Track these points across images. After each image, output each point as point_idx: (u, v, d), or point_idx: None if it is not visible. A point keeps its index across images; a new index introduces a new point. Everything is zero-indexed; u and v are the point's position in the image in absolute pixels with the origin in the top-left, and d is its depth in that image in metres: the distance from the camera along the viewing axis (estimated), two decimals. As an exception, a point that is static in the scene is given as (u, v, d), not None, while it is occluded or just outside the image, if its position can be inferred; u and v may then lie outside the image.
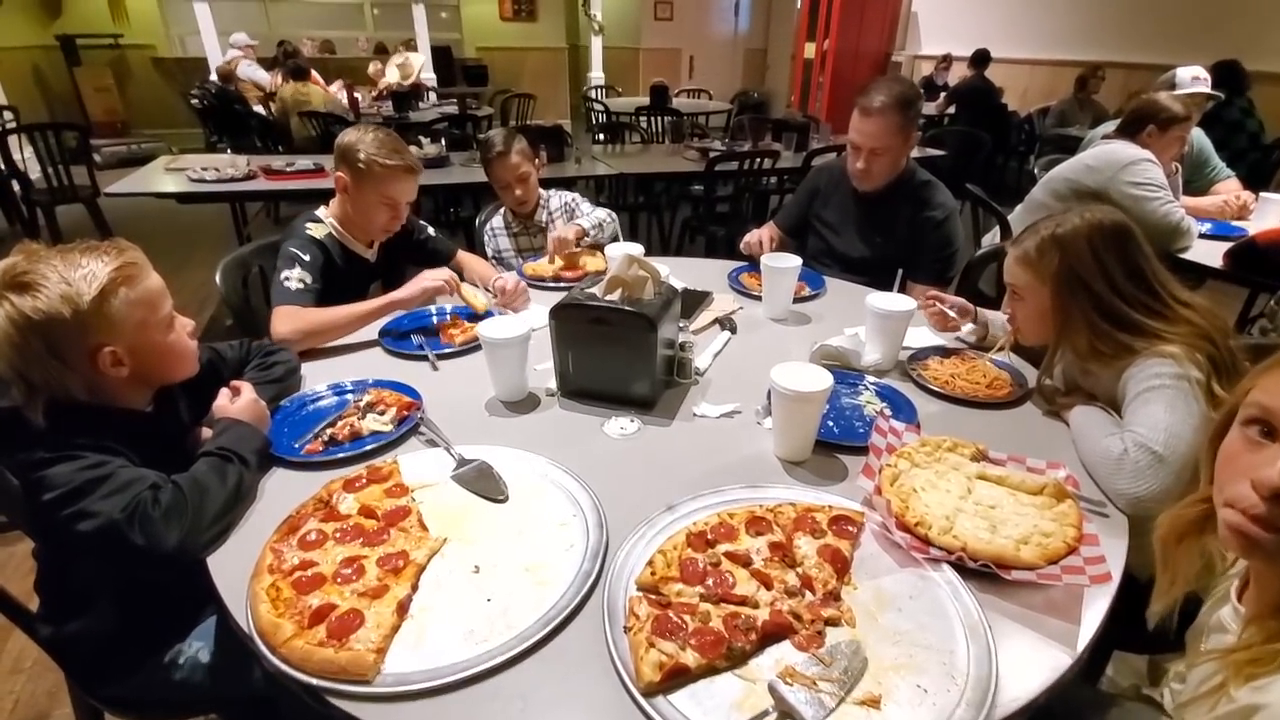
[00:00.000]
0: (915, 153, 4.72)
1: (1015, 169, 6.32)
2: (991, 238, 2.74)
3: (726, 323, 1.65)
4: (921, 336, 1.58)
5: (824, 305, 1.81)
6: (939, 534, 0.93)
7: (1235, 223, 2.60)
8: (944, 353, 1.48)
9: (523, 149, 2.18)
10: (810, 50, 8.14)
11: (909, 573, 0.90)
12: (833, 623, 0.82)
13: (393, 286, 1.69)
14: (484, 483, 1.04)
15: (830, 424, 1.24)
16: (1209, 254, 2.28)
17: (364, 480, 1.05)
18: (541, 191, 2.31)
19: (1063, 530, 0.93)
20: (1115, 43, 6.02)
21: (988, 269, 2.51)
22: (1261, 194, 2.85)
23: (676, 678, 0.74)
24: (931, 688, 0.74)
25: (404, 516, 0.97)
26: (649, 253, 1.71)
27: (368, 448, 1.14)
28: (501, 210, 2.34)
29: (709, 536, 0.93)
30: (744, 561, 0.89)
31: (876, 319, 1.41)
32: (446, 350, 1.50)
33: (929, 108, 6.45)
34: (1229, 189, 2.80)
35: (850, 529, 0.96)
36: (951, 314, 1.50)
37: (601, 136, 5.68)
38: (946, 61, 7.26)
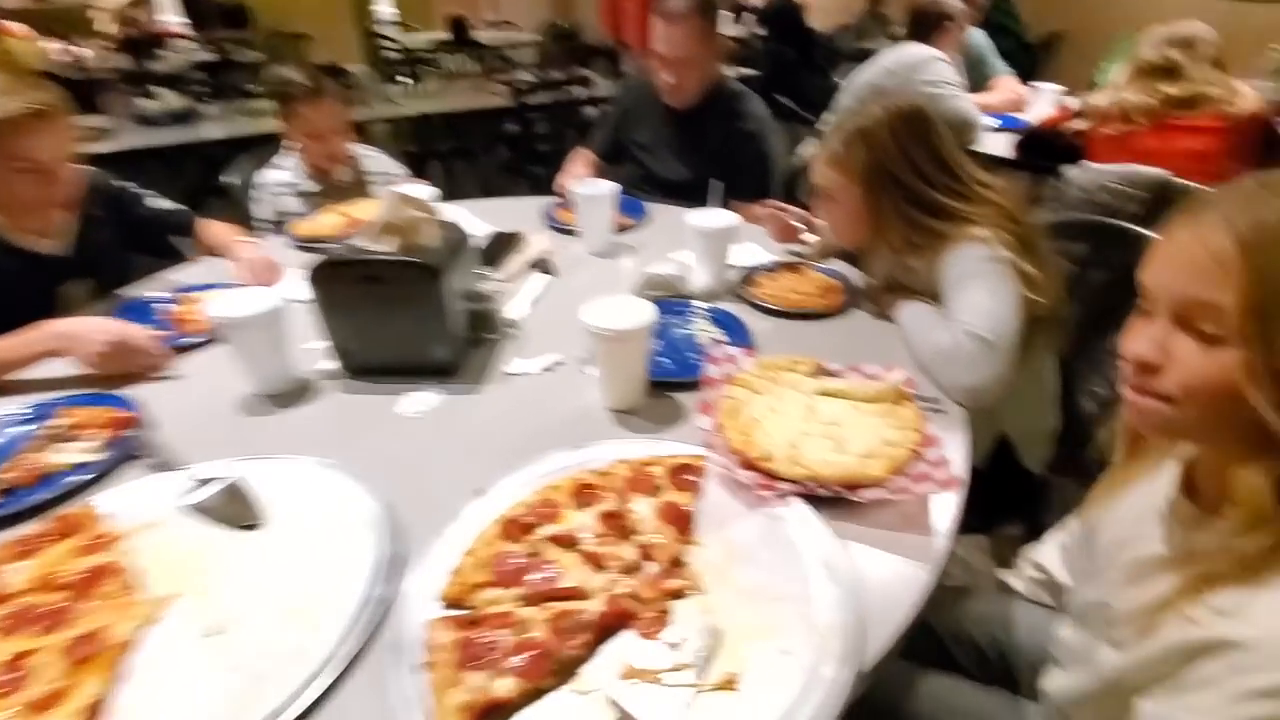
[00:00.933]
0: (729, 70, 4.74)
1: (822, 86, 6.54)
2: (805, 149, 2.73)
3: (544, 265, 1.45)
4: (751, 254, 1.48)
5: (649, 234, 1.66)
6: (786, 465, 0.83)
7: (1015, 115, 2.78)
8: (774, 267, 1.40)
9: (337, 90, 1.80)
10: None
11: (759, 515, 0.79)
12: (678, 595, 0.70)
13: (111, 283, 1.31)
14: (230, 508, 0.80)
15: (664, 360, 1.11)
16: (997, 146, 2.42)
17: (52, 536, 0.76)
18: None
19: (905, 436, 0.87)
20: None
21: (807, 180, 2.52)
22: (1032, 84, 3.08)
23: (491, 718, 0.58)
24: (796, 647, 0.64)
25: (106, 578, 0.71)
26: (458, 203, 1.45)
27: (65, 489, 0.84)
28: (292, 164, 1.90)
29: (528, 520, 0.77)
30: (570, 543, 0.74)
31: (700, 239, 1.29)
32: (186, 342, 1.18)
33: (738, 29, 6.46)
34: (1007, 85, 3.00)
35: (691, 478, 0.83)
36: (796, 224, 1.42)
37: (398, 78, 5.09)
38: (750, -18, 7.27)
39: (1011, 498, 1.30)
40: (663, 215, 1.75)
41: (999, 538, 1.67)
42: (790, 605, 0.68)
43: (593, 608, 0.67)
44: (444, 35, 5.74)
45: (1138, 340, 0.58)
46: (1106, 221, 1.42)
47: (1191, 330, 0.55)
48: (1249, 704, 0.49)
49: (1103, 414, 1.40)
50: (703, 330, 1.19)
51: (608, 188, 1.47)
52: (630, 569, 0.71)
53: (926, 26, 2.44)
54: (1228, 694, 0.50)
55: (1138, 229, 1.28)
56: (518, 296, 1.31)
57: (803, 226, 1.42)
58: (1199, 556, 0.58)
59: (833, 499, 0.79)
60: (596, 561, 0.72)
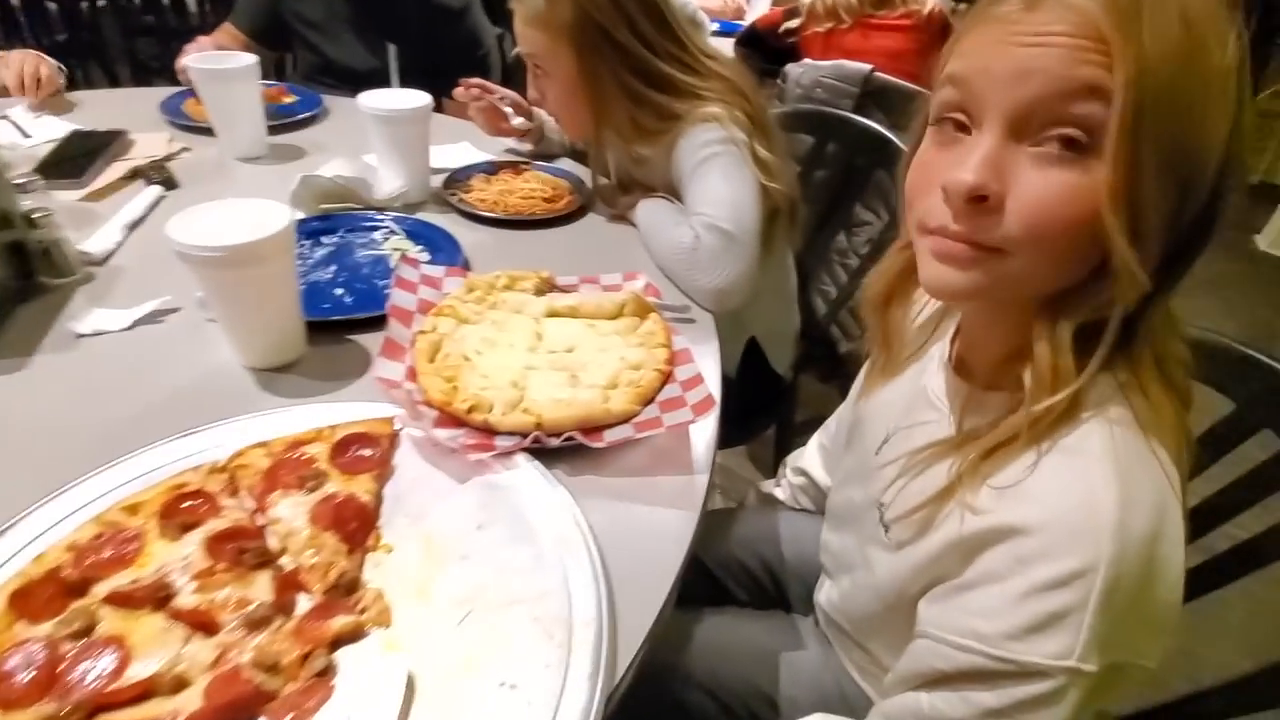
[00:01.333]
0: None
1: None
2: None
3: (154, 173, 1.02)
4: (463, 154, 1.20)
5: (326, 132, 1.28)
6: (506, 412, 0.61)
7: (736, 22, 2.78)
8: (491, 169, 1.14)
9: None
10: None
11: (473, 488, 0.57)
12: (348, 639, 0.45)
13: None
14: None
15: (339, 293, 0.81)
16: (721, 49, 2.37)
17: None
18: None
19: (652, 355, 0.70)
20: None
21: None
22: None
23: None
24: (524, 677, 0.44)
25: None
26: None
27: None
28: None
29: (70, 574, 0.45)
30: (152, 601, 0.45)
31: (381, 128, 0.97)
32: None
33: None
34: (726, -9, 2.98)
35: (370, 454, 0.58)
36: (504, 107, 1.15)
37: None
38: None
39: (763, 401, 1.26)
40: (348, 111, 1.36)
41: (755, 444, 1.69)
42: (517, 613, 0.48)
43: (187, 705, 0.40)
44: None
45: (963, 166, 0.42)
46: (828, 110, 1.39)
47: (1043, 143, 0.41)
48: (1037, 599, 0.41)
49: (834, 311, 1.45)
50: (397, 249, 0.90)
51: (243, 61, 1.06)
52: (259, 621, 0.45)
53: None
54: (1013, 590, 0.42)
55: (860, 119, 1.25)
56: (108, 223, 0.88)
57: (511, 111, 1.17)
58: (979, 434, 0.49)
59: (572, 448, 0.60)
60: (200, 622, 0.44)
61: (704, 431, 0.65)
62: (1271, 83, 4.03)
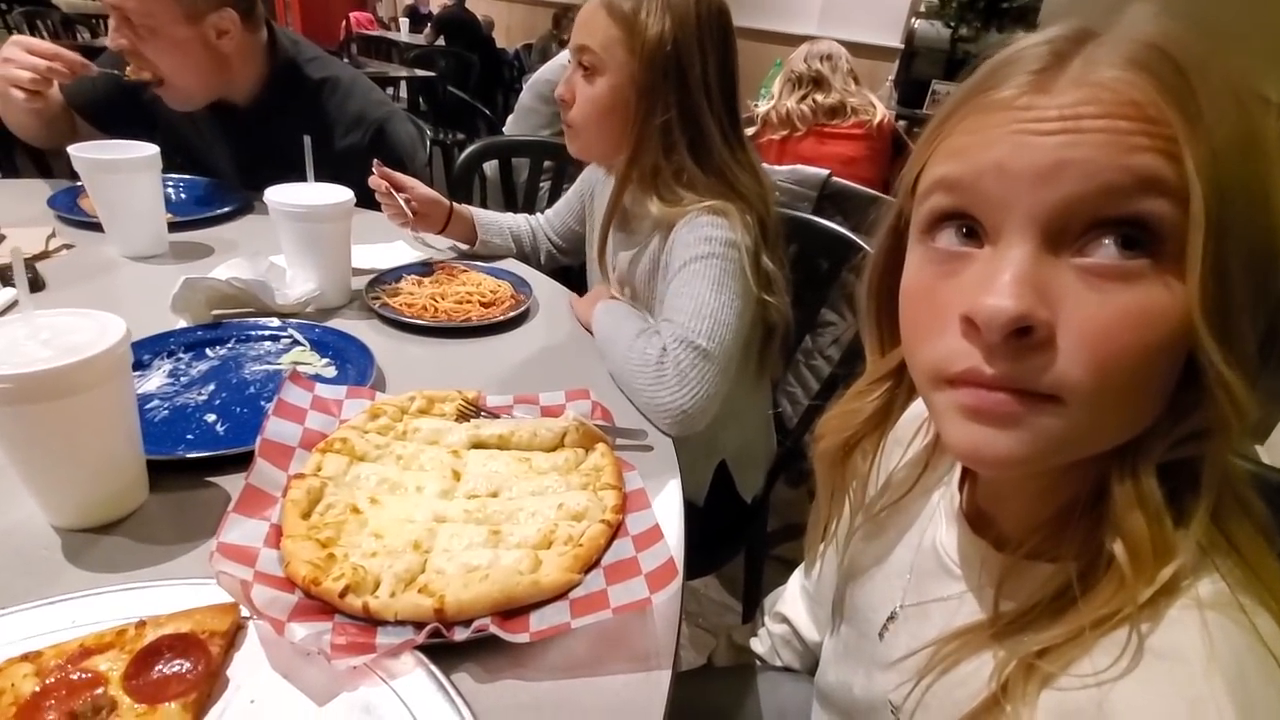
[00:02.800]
0: (403, 72, 4.25)
1: (513, 104, 6.43)
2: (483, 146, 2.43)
3: (27, 271, 0.86)
4: (394, 254, 1.09)
5: (243, 228, 1.15)
6: (397, 591, 0.46)
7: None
8: (426, 270, 1.02)
9: None
10: (265, -40, 6.74)
11: (338, 712, 0.40)
12: None
13: None
14: None
15: (210, 419, 0.65)
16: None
17: None
18: None
19: (598, 500, 0.56)
20: (572, -13, 6.50)
21: (490, 180, 2.20)
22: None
23: None
24: None
25: None
26: None
27: None
28: None
29: None
30: None
31: (292, 225, 0.85)
32: None
33: (418, 37, 6.01)
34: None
35: (186, 668, 0.40)
36: (404, 201, 1.03)
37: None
38: (427, -10, 6.87)
39: (731, 527, 1.11)
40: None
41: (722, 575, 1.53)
42: None
43: None
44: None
45: (992, 288, 0.31)
46: (789, 213, 1.34)
47: (1090, 251, 0.31)
48: None
49: (806, 419, 1.34)
50: (295, 364, 0.75)
51: (139, 151, 0.93)
52: None
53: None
54: None
55: (822, 221, 1.20)
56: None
57: (411, 217, 1.04)
58: (1026, 620, 0.37)
59: (485, 640, 0.44)
60: None
61: (665, 605, 0.50)
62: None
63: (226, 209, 1.16)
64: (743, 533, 1.14)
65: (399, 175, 1.02)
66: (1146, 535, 0.33)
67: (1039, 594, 0.38)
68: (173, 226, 1.07)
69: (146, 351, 0.73)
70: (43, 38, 3.76)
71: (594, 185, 1.09)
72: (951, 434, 0.35)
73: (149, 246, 0.99)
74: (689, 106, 0.85)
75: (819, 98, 1.86)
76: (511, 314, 0.91)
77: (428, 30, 6.15)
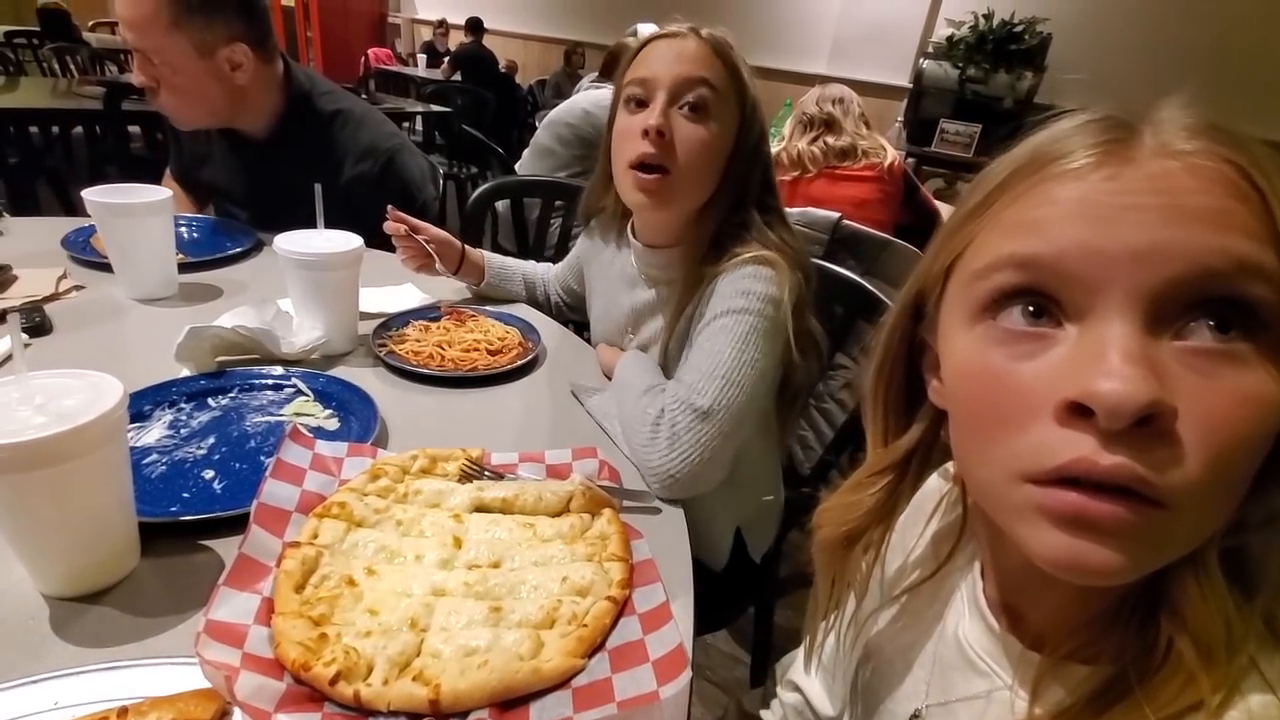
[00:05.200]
0: (419, 107, 4.32)
1: (527, 140, 6.53)
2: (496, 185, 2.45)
3: (28, 316, 0.86)
4: (403, 297, 1.08)
5: (253, 269, 1.15)
6: (390, 678, 0.43)
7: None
8: (434, 315, 1.01)
9: None
10: (288, -3, 6.97)
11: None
12: None
13: None
14: None
15: (208, 476, 0.64)
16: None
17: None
18: None
19: (604, 573, 0.53)
20: (589, 26, 6.65)
21: (501, 217, 2.21)
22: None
23: None
24: None
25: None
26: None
27: None
28: None
29: None
30: None
31: (301, 272, 0.84)
32: None
33: (435, 72, 6.14)
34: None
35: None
36: (424, 242, 1.02)
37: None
38: (444, 27, 7.03)
39: (741, 586, 1.08)
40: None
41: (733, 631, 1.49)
42: None
43: None
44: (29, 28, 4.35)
45: (1105, 370, 0.28)
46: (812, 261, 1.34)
47: (1188, 333, 0.29)
48: None
49: (819, 469, 1.30)
50: (297, 415, 0.74)
51: (151, 196, 0.94)
52: None
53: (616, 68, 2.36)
54: None
55: (834, 267, 1.19)
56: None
57: (436, 256, 1.02)
58: None
59: (480, 730, 0.42)
60: None
61: (674, 700, 0.47)
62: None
63: (237, 249, 1.16)
64: (752, 589, 1.11)
65: (413, 219, 1.02)
66: (1222, 630, 0.30)
67: (1076, 695, 0.35)
68: (184, 267, 1.07)
69: (148, 401, 0.72)
70: (72, 74, 3.86)
71: (591, 254, 1.05)
72: (1040, 541, 0.31)
73: (159, 289, 0.99)
74: (762, 157, 0.84)
75: (830, 140, 1.86)
76: (519, 363, 0.90)
77: (445, 65, 6.30)
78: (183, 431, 0.70)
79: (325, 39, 6.97)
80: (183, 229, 1.24)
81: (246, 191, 1.31)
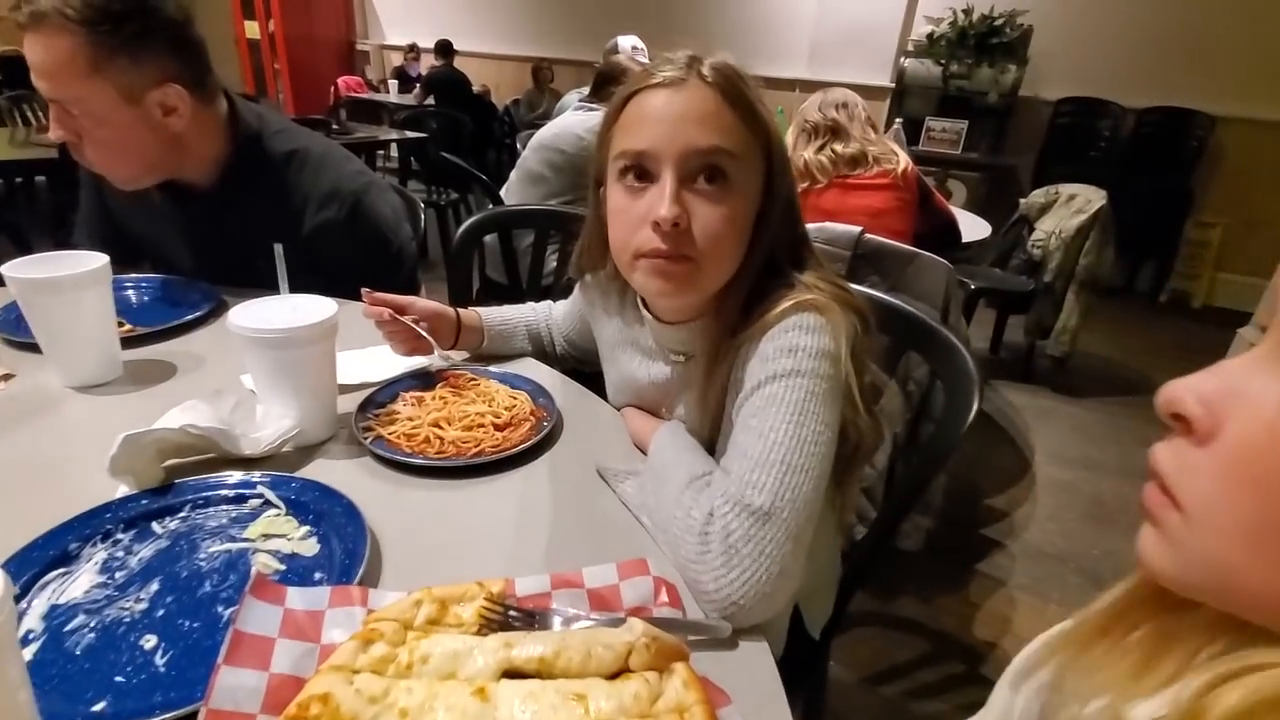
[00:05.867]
0: (393, 134, 4.17)
1: (505, 161, 6.40)
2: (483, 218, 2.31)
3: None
4: (385, 361, 0.93)
5: (210, 338, 1.00)
6: None
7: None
8: (426, 382, 0.86)
9: None
10: (251, 30, 6.81)
11: None
12: None
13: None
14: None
15: (147, 645, 0.48)
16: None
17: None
18: None
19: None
20: (562, 43, 6.54)
21: (489, 247, 2.07)
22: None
23: None
24: None
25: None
26: None
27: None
28: None
29: None
30: None
31: (263, 352, 0.69)
32: None
33: (407, 98, 6.00)
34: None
35: None
36: (421, 329, 0.87)
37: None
38: (415, 52, 6.90)
39: (792, 668, 0.93)
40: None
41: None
42: None
43: None
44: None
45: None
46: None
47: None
48: None
49: (877, 531, 1.12)
50: (269, 534, 0.59)
51: (84, 265, 0.78)
52: None
53: (608, 88, 2.25)
54: None
55: (869, 291, 1.05)
56: None
57: (428, 334, 0.87)
58: None
59: None
60: None
61: None
62: (1199, 214, 4.28)
63: (194, 314, 1.01)
64: (806, 672, 0.96)
65: (396, 297, 0.87)
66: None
67: None
68: (130, 341, 0.92)
69: (76, 537, 0.57)
70: (31, 123, 3.67)
71: (594, 314, 0.91)
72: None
73: (99, 374, 0.83)
74: (794, 207, 0.71)
75: (838, 148, 1.74)
76: (534, 439, 0.75)
77: (417, 90, 6.16)
78: (118, 576, 0.55)
79: (293, 70, 6.82)
80: (129, 292, 1.09)
81: (194, 251, 1.14)
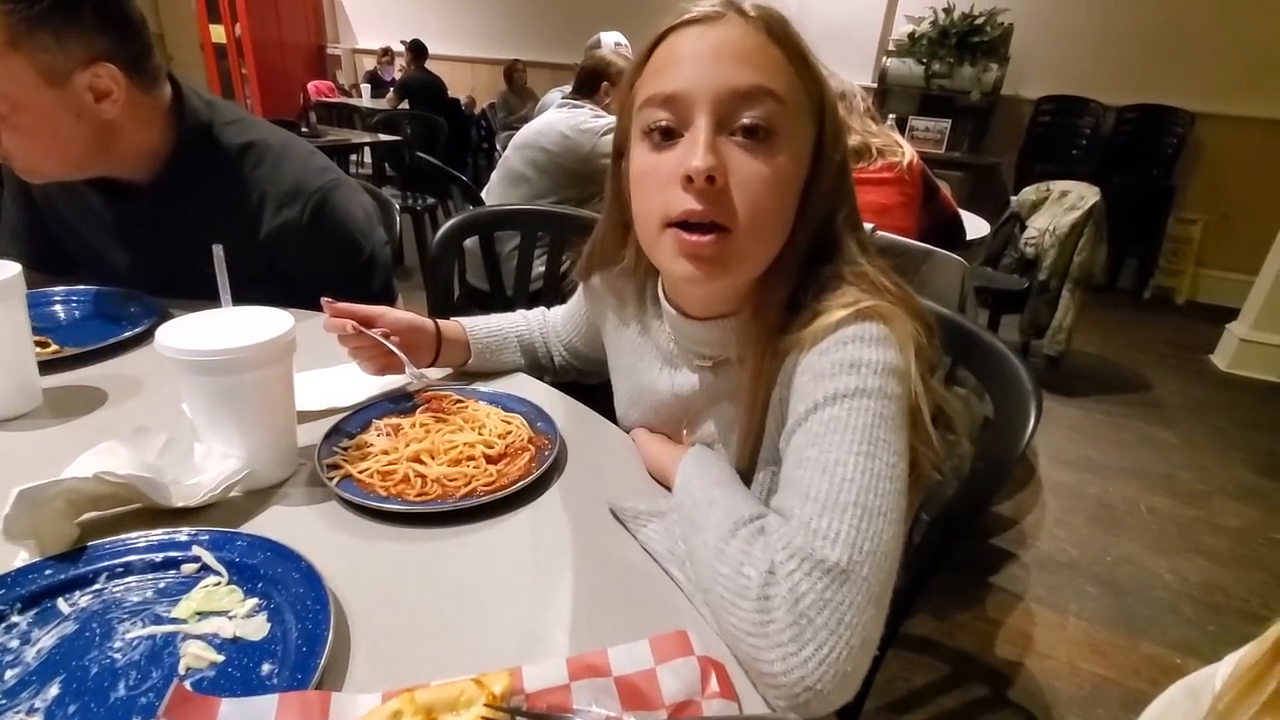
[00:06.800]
0: (366, 138, 4.01)
1: (483, 166, 6.27)
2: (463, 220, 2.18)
3: None
4: (352, 382, 0.80)
5: (153, 361, 0.86)
6: None
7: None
8: (403, 407, 0.74)
9: None
10: (217, 34, 6.60)
11: None
12: None
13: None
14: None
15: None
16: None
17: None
18: None
19: None
20: (537, 44, 6.43)
21: (469, 251, 1.93)
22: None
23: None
24: None
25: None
26: None
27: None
28: None
29: None
30: None
31: (201, 378, 0.57)
32: None
33: (380, 102, 5.84)
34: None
35: None
36: (391, 345, 0.75)
37: None
38: (389, 55, 6.73)
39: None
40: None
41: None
42: None
43: None
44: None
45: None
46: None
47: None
48: None
49: (910, 581, 1.00)
50: (204, 613, 0.46)
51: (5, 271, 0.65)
52: None
53: (595, 84, 2.15)
54: None
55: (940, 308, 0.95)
56: None
57: (398, 351, 0.75)
58: None
59: None
60: None
61: None
62: (1180, 210, 4.29)
63: (131, 331, 0.87)
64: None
65: (361, 308, 0.75)
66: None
67: None
68: (53, 364, 0.79)
69: (-48, 623, 0.44)
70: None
71: (602, 316, 0.81)
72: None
73: (11, 405, 0.70)
74: (848, 181, 0.60)
75: (840, 141, 1.65)
76: (534, 474, 0.63)
77: (390, 95, 6.00)
78: (8, 677, 0.42)
79: (261, 74, 6.61)
80: (56, 306, 0.95)
81: (133, 258, 1.00)
